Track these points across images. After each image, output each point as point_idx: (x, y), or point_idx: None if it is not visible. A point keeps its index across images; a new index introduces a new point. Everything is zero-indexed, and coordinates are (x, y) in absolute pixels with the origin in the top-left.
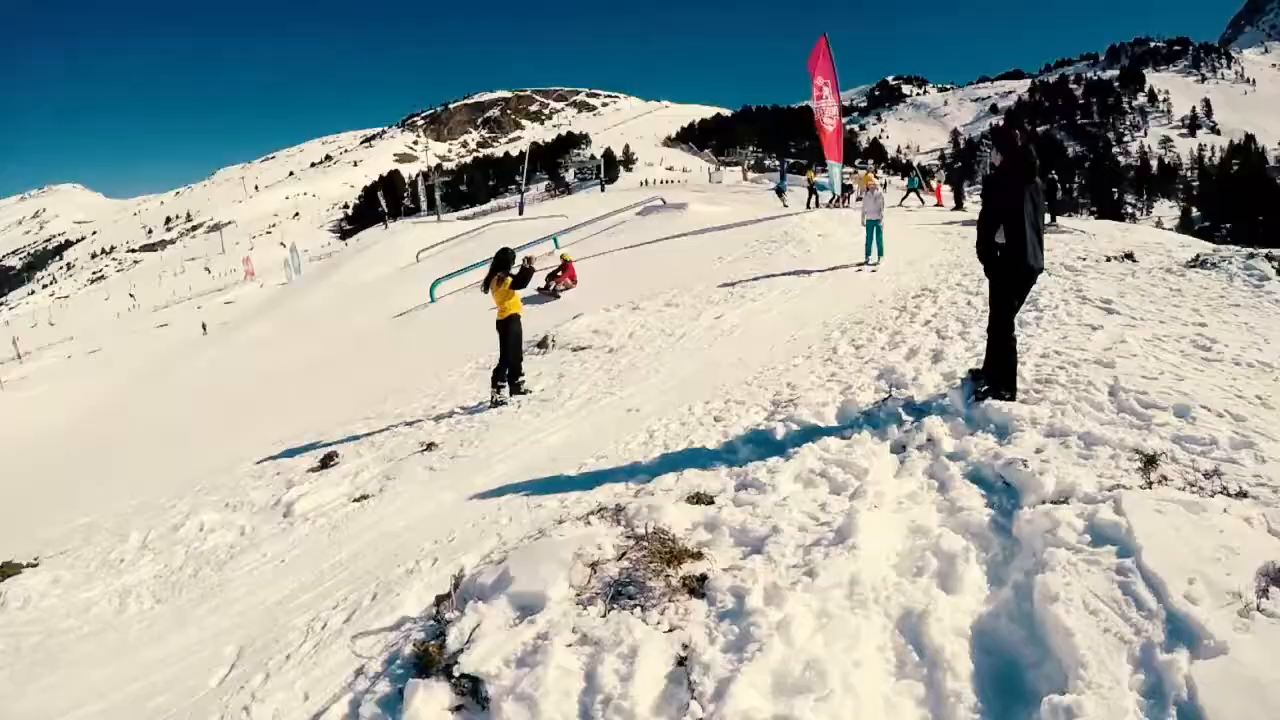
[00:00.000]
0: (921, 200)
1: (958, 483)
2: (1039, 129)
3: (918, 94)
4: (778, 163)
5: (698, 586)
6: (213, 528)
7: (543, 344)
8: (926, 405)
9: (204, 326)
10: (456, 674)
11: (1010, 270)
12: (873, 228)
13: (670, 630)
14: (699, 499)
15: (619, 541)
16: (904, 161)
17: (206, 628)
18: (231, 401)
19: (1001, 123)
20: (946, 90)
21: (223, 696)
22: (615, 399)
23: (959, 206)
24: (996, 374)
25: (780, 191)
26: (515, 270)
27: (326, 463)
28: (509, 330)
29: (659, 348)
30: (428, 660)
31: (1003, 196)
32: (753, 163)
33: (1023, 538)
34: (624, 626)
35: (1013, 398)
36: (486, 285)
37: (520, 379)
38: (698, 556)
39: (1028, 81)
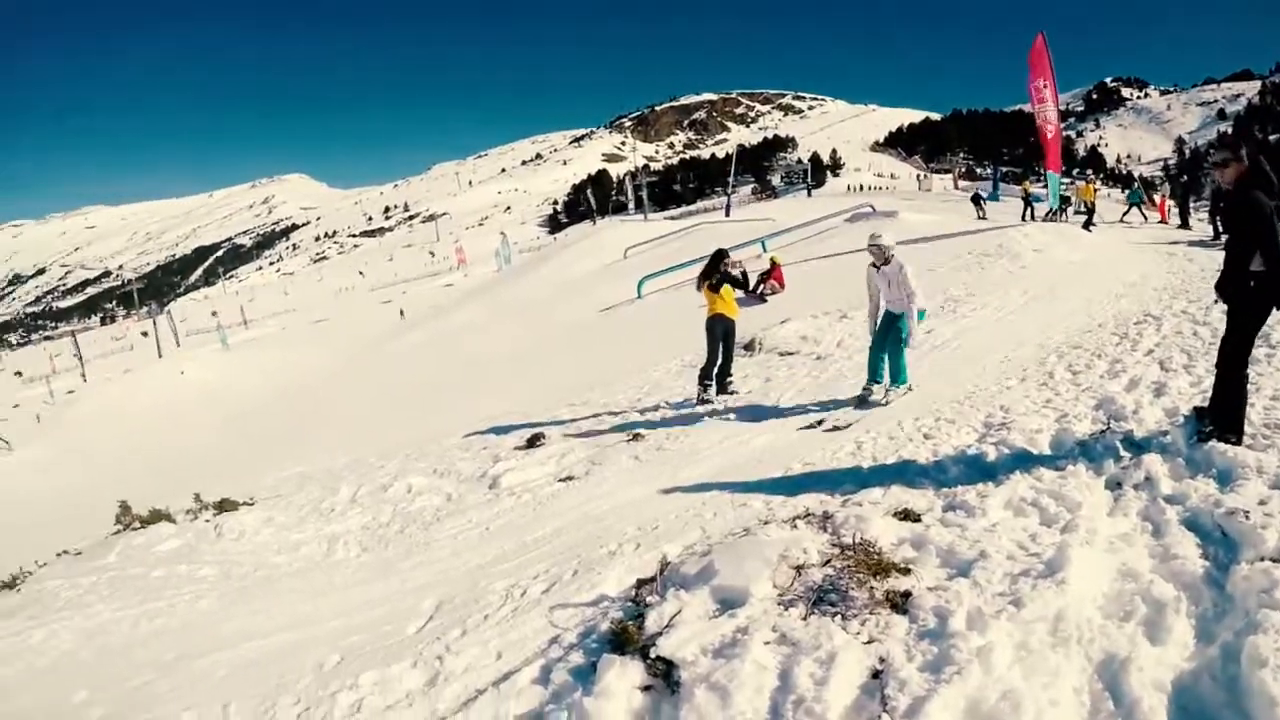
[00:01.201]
0: (1144, 216)
1: (1173, 528)
2: (1271, 137)
3: (1138, 97)
4: (990, 170)
5: (900, 602)
6: (420, 491)
7: (749, 346)
8: (1146, 441)
9: (401, 313)
10: (652, 655)
11: (1263, 302)
12: (889, 332)
13: (869, 642)
14: (906, 515)
15: (824, 548)
16: (1124, 172)
17: (408, 581)
18: (439, 378)
19: (1229, 130)
20: (1169, 94)
21: (418, 644)
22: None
23: (1184, 224)
24: (1223, 414)
25: (978, 201)
26: (731, 271)
27: (533, 443)
28: (721, 329)
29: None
30: (625, 639)
31: (1257, 216)
32: (963, 170)
33: (1236, 595)
34: (823, 632)
35: (1239, 442)
36: (701, 283)
37: (729, 379)
38: (904, 572)
39: (1257, 83)
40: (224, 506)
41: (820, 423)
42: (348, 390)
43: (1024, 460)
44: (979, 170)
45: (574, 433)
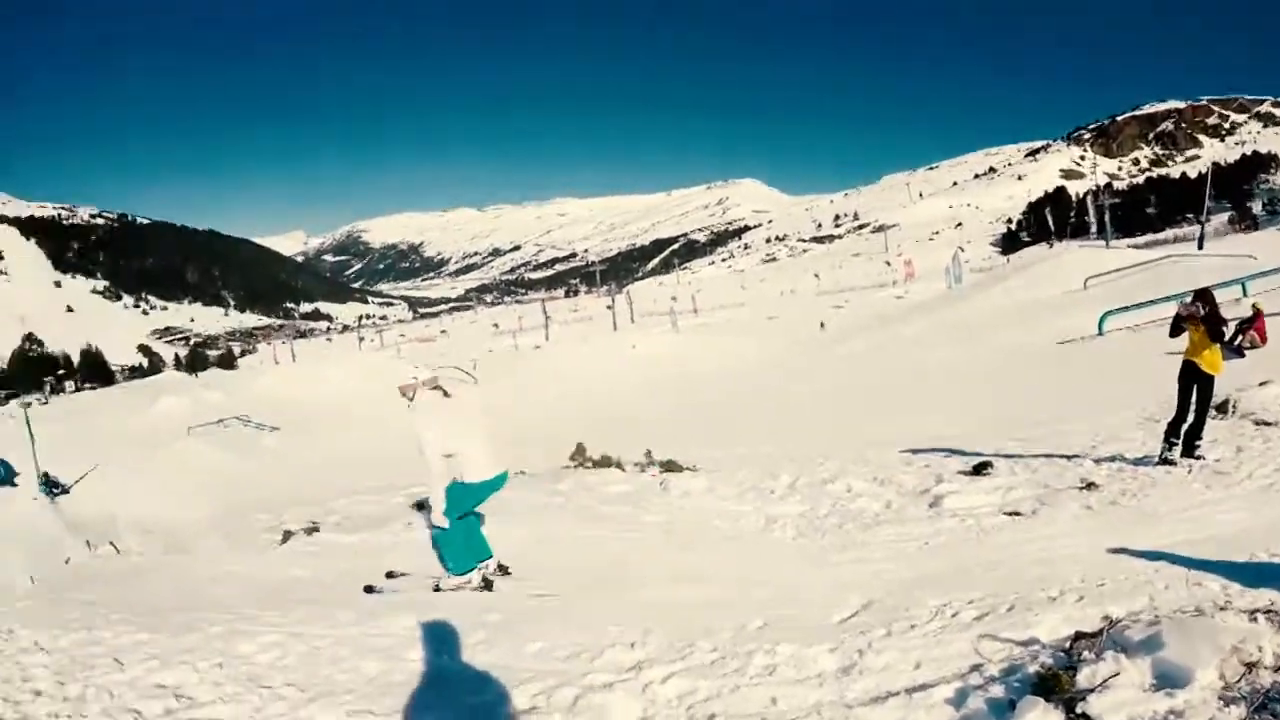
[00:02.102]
0: None
1: None
2: None
3: None
4: None
5: None
6: (860, 493)
7: (1222, 408)
8: None
9: (822, 325)
10: (1078, 710)
11: None
12: None
13: None
14: None
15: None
16: None
17: (839, 573)
18: (877, 387)
19: None
20: None
21: (840, 633)
22: None
23: None
24: None
25: None
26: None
27: (979, 470)
28: (1196, 382)
29: None
30: (1052, 685)
31: None
32: None
33: None
34: None
35: None
36: (1176, 329)
37: (1197, 442)
38: None
39: None
40: (670, 467)
41: None
42: (785, 384)
43: None
44: None
45: (1022, 468)
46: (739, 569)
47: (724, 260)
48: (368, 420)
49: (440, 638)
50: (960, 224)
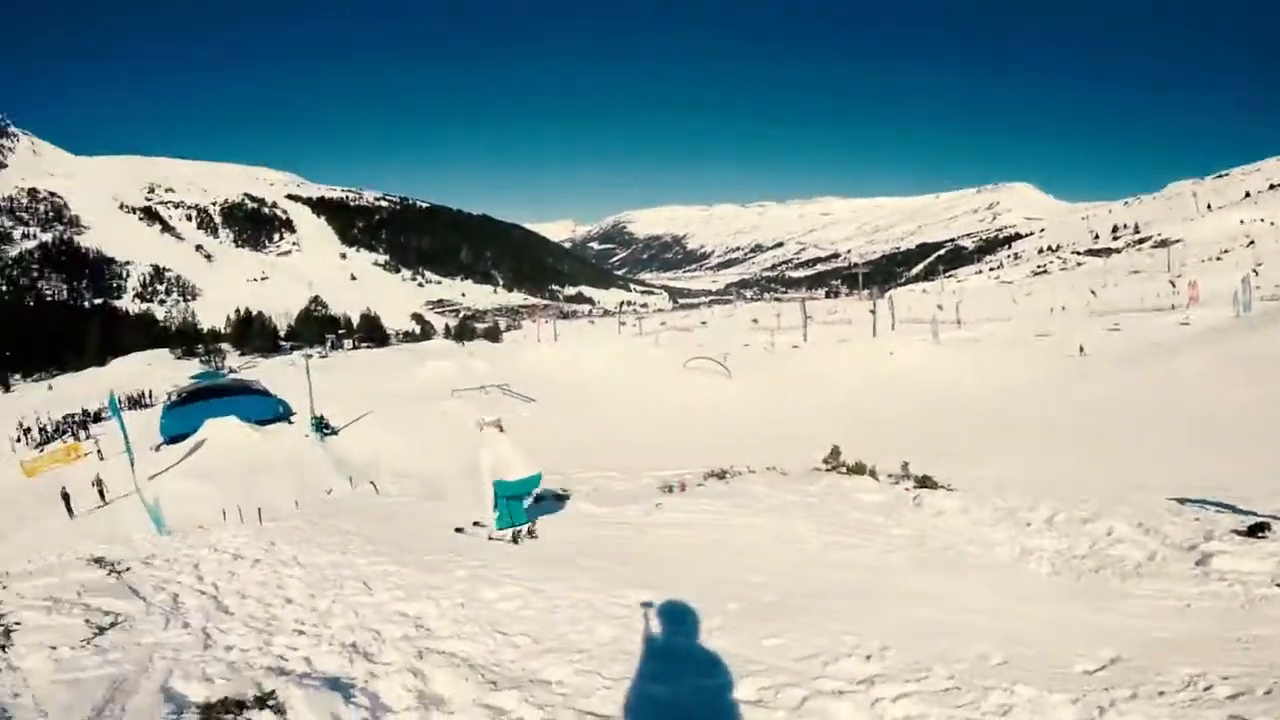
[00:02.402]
0: None
1: None
2: None
3: None
4: None
5: None
6: (1121, 538)
7: None
8: None
9: (1081, 348)
10: None
11: None
12: None
13: None
14: None
15: None
16: None
17: (1092, 621)
18: (1147, 421)
19: None
20: None
21: (1083, 685)
22: None
23: None
24: None
25: None
26: None
27: (1256, 532)
28: None
29: None
30: None
31: None
32: None
33: None
34: None
35: None
36: None
37: None
38: None
39: None
40: (925, 483)
41: None
42: (1046, 408)
43: None
44: None
45: None
46: (986, 598)
47: (991, 270)
48: (621, 402)
49: (679, 616)
50: (1252, 242)
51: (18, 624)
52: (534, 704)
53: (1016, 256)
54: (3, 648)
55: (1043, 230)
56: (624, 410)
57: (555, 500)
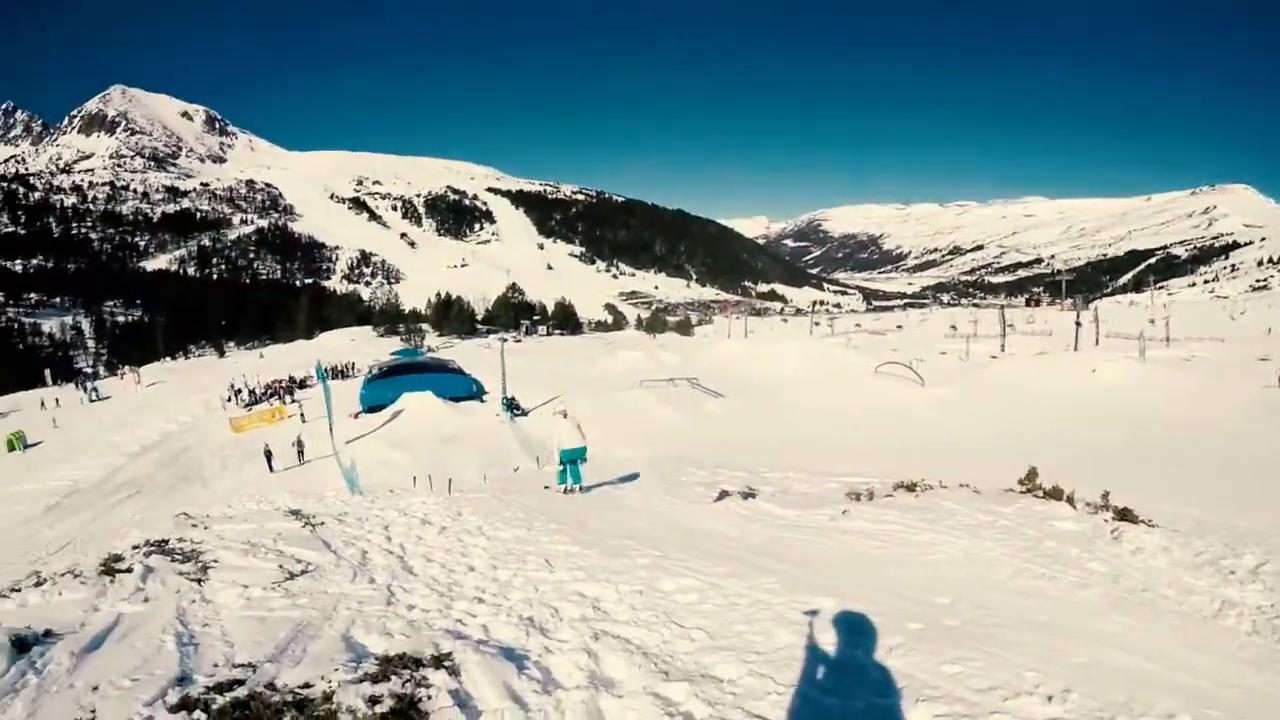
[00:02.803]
0: None
1: None
2: None
3: None
4: None
5: None
6: None
7: None
8: None
9: None
10: None
11: None
12: None
13: None
14: None
15: None
16: None
17: None
18: None
19: None
20: None
21: None
22: None
23: None
24: None
25: None
26: None
27: None
28: None
29: None
30: None
31: None
32: None
33: None
34: None
35: None
36: None
37: None
38: None
39: None
40: (1126, 515)
41: None
42: (1255, 444)
43: None
44: None
45: None
46: (1178, 650)
47: (1205, 282)
48: (809, 403)
49: (858, 629)
50: None
51: (215, 562)
52: (703, 699)
53: (1234, 268)
54: (199, 581)
55: (1263, 239)
56: (812, 410)
57: (743, 499)
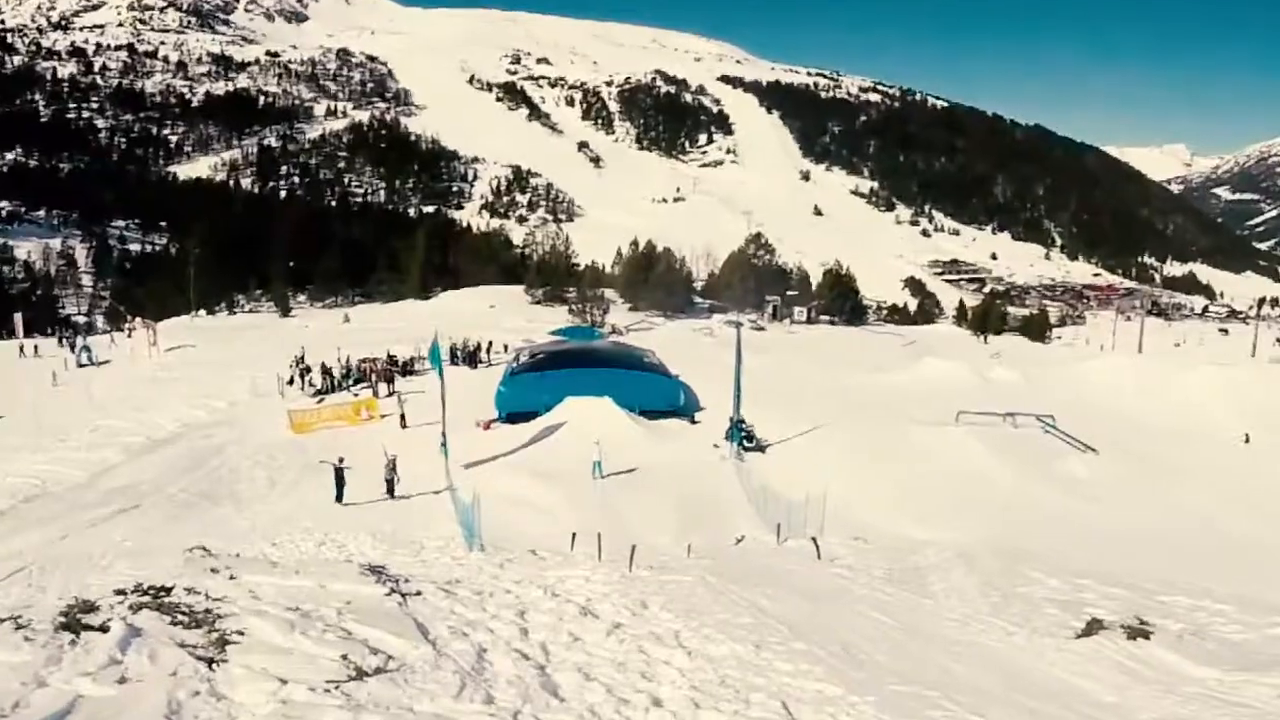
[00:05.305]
0: None
1: None
2: None
3: None
4: None
5: None
6: None
7: None
8: None
9: None
10: None
11: None
12: None
13: None
14: None
15: None
16: None
17: None
18: None
19: None
20: None
21: None
22: None
23: None
24: None
25: None
26: None
27: None
28: None
29: None
30: None
31: None
32: None
33: None
34: None
35: None
36: None
37: None
38: None
39: None
40: None
41: None
42: None
43: None
44: None
45: None
46: None
47: None
48: (1244, 471)
49: None
50: None
51: (240, 634)
52: None
53: None
54: (210, 662)
55: None
56: (1252, 491)
57: (1127, 637)
